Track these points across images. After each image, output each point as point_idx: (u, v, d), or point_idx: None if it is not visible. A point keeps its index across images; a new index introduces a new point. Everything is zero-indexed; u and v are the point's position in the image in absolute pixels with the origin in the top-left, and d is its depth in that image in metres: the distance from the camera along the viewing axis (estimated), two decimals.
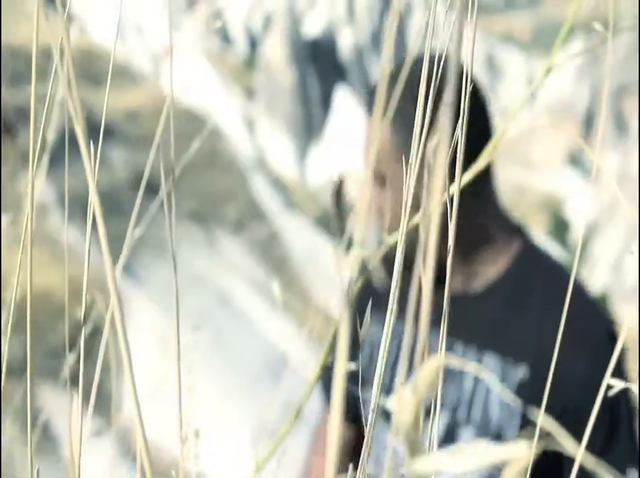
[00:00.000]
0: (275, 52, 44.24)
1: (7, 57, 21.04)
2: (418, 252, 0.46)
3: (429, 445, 0.64)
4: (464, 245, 2.02)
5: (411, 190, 0.57)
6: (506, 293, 2.05)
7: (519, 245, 2.10)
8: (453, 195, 0.66)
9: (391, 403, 0.37)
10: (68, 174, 0.65)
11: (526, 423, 2.00)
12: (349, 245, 0.41)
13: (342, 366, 0.36)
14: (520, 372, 1.97)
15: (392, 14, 0.41)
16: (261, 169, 31.60)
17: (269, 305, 21.12)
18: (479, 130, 1.94)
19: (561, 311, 0.81)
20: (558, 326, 0.85)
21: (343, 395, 0.37)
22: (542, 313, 1.99)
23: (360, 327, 0.59)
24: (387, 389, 2.09)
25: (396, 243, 0.55)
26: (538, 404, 1.95)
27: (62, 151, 0.64)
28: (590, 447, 1.79)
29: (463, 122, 0.62)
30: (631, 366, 1.99)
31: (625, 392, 1.94)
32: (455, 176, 0.61)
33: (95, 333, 0.93)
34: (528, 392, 1.97)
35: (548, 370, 0.75)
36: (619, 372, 1.97)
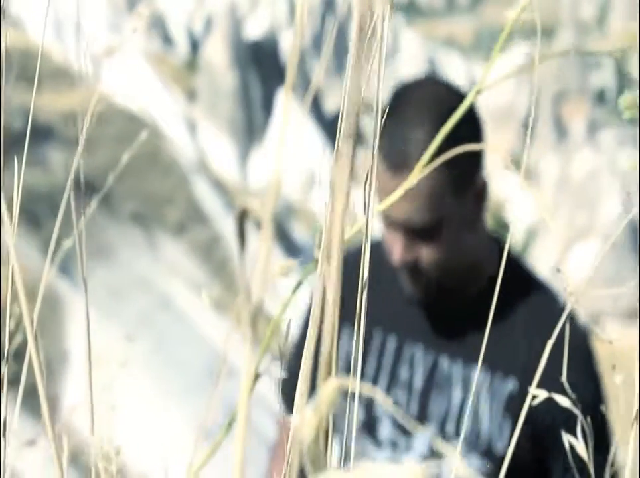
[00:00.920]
0: (217, 54, 44.15)
1: None
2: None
3: (329, 461, 0.63)
4: (451, 261, 2.01)
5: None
6: (490, 307, 2.04)
7: (498, 258, 2.10)
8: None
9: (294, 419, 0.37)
10: (4, 176, 0.64)
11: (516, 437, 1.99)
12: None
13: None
14: (510, 385, 1.97)
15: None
16: (202, 171, 31.48)
17: (211, 307, 21.04)
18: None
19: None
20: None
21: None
22: (527, 325, 1.98)
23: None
24: (366, 403, 2.09)
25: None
26: (528, 417, 1.95)
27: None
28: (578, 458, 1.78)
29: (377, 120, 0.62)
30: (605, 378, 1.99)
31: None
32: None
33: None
34: (518, 406, 1.97)
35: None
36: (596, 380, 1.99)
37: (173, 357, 17.71)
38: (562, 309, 0.81)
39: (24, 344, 0.63)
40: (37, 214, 18.56)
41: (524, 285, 2.04)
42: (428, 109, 1.90)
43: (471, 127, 1.92)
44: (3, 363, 0.66)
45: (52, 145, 23.87)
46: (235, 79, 45.20)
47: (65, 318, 16.62)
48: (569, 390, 2.10)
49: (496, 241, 2.09)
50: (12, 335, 0.68)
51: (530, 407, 1.83)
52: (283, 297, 0.45)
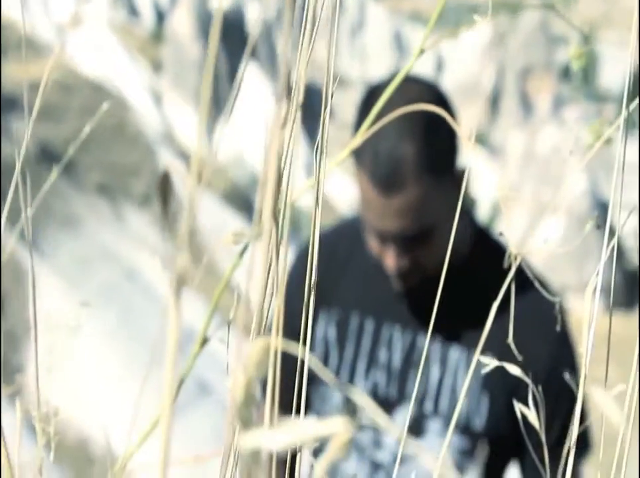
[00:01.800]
0: (183, 25, 43.83)
1: None
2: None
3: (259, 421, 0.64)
4: (443, 252, 2.01)
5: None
6: (465, 284, 2.05)
7: (471, 230, 2.11)
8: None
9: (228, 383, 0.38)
10: None
11: (494, 413, 2.01)
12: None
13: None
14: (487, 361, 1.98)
15: None
16: (168, 143, 31.31)
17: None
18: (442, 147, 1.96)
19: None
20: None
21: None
22: (502, 301, 1.98)
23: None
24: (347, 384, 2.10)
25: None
26: (505, 390, 1.97)
27: None
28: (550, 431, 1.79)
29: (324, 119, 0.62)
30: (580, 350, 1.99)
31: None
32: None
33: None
34: (495, 381, 1.99)
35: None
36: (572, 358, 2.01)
37: (138, 327, 17.66)
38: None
39: None
40: (3, 184, 18.39)
41: (495, 260, 2.06)
42: (411, 120, 1.88)
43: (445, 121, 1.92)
44: None
45: (17, 115, 23.65)
46: (200, 51, 44.94)
47: (29, 288, 16.49)
48: (542, 358, 2.11)
49: (465, 215, 2.10)
50: None
51: (507, 380, 1.84)
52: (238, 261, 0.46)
